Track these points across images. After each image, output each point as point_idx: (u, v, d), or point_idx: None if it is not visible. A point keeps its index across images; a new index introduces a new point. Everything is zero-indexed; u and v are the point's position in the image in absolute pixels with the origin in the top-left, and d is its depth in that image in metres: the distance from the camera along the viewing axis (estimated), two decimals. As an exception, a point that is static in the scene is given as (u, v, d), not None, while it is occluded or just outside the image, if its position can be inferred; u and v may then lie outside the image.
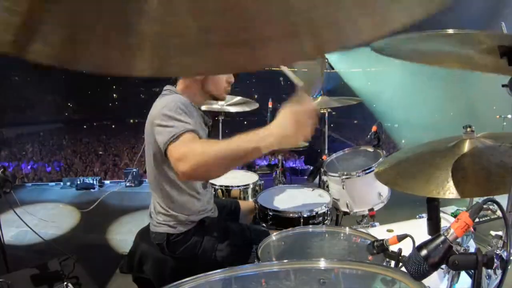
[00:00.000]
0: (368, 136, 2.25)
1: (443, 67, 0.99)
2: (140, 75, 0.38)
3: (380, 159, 2.09)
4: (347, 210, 2.11)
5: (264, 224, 1.93)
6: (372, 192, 2.07)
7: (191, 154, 1.21)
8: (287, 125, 1.06)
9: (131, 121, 20.66)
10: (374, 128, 2.21)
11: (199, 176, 1.35)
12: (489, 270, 0.73)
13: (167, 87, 1.67)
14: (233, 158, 1.18)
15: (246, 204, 2.18)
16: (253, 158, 1.19)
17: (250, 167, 3.06)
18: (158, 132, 1.39)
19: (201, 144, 1.27)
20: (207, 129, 1.71)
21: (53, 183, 6.46)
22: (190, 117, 1.41)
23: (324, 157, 2.40)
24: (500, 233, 0.82)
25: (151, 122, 1.48)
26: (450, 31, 0.73)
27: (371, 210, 2.06)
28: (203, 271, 0.86)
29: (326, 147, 2.70)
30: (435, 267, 0.71)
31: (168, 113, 1.39)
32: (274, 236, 1.46)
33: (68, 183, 6.04)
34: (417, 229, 1.23)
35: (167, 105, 1.44)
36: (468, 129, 1.05)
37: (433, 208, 0.95)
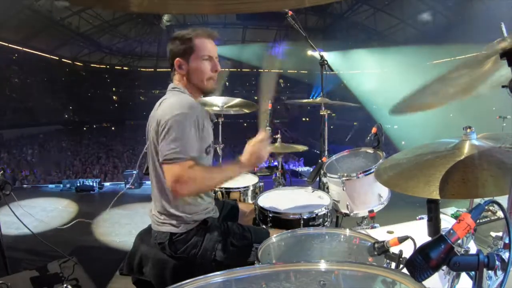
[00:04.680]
0: (368, 138, 2.24)
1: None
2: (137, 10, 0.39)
3: (380, 160, 2.09)
4: (347, 212, 2.11)
5: (264, 226, 1.92)
6: (372, 193, 2.07)
7: (188, 180, 1.42)
8: (249, 156, 1.55)
9: (131, 123, 20.66)
10: (374, 130, 2.21)
11: (190, 195, 1.60)
12: (490, 272, 0.73)
13: (173, 85, 1.66)
14: (217, 184, 1.88)
15: (246, 206, 2.17)
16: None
17: (250, 169, 3.05)
18: (164, 138, 1.45)
19: (198, 173, 1.47)
20: (212, 125, 1.76)
21: (52, 185, 6.47)
22: (197, 127, 1.51)
23: (324, 158, 2.40)
24: (500, 234, 0.82)
25: (158, 122, 1.49)
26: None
27: (371, 211, 2.06)
28: (203, 271, 0.86)
29: (326, 149, 2.70)
30: (436, 268, 0.71)
31: (182, 122, 1.45)
32: (274, 238, 1.46)
33: (68, 185, 6.03)
34: (417, 230, 1.23)
35: (178, 110, 1.47)
36: (468, 130, 1.05)
37: (433, 209, 0.95)
